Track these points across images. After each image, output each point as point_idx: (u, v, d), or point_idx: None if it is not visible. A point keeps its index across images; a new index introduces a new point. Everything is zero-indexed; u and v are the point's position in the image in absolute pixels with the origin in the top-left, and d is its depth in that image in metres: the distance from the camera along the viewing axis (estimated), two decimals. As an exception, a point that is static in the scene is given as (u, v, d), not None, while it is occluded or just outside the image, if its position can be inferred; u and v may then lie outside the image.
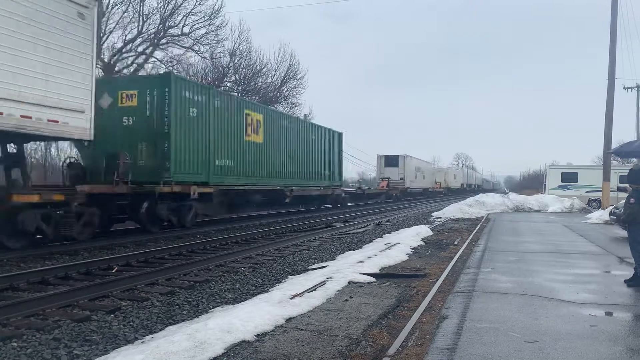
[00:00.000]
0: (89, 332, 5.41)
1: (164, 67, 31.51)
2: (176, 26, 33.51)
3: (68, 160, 14.53)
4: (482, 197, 32.95)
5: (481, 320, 5.44)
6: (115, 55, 30.03)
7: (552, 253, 10.92)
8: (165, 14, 32.60)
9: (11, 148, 11.58)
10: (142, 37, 32.94)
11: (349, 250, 12.04)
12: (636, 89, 39.66)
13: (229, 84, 37.01)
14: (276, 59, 40.10)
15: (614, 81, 24.02)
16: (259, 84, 38.67)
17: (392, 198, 41.76)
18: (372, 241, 13.79)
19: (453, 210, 25.39)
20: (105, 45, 30.10)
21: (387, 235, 15.09)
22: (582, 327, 5.22)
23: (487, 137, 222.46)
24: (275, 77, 39.41)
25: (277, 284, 7.98)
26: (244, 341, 4.79)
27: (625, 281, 7.56)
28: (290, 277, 8.59)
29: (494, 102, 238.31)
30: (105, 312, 6.14)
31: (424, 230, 15.33)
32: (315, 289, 6.99)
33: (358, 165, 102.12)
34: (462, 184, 74.21)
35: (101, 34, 31.23)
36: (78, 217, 11.61)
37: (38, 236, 11.17)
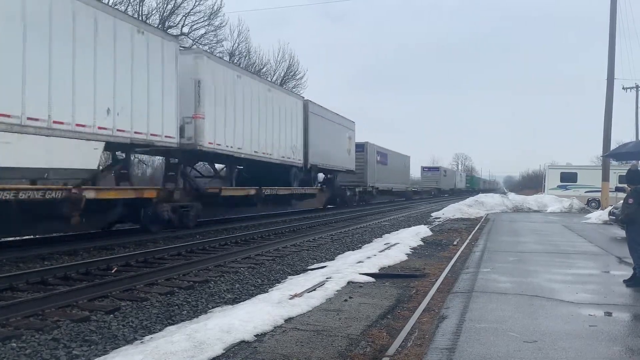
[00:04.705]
0: (88, 332, 5.41)
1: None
2: (175, 26, 33.60)
3: None
4: (481, 197, 33.85)
5: (480, 320, 5.45)
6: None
7: (551, 253, 10.93)
8: (165, 14, 32.69)
9: None
10: (141, 37, 32.97)
11: (349, 250, 12.03)
12: (635, 89, 39.74)
13: (228, 84, 36.99)
14: (275, 59, 40.21)
15: (613, 81, 24.08)
16: (259, 84, 38.66)
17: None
18: (371, 241, 13.78)
19: (452, 211, 25.44)
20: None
21: (386, 235, 15.08)
22: (581, 327, 5.23)
23: (487, 137, 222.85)
24: (275, 77, 39.47)
25: (276, 284, 7.98)
26: (243, 341, 4.79)
27: (624, 281, 7.57)
28: (289, 277, 8.59)
29: (493, 102, 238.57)
30: (105, 312, 6.14)
31: (423, 231, 15.33)
32: (314, 289, 6.99)
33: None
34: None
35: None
36: None
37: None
